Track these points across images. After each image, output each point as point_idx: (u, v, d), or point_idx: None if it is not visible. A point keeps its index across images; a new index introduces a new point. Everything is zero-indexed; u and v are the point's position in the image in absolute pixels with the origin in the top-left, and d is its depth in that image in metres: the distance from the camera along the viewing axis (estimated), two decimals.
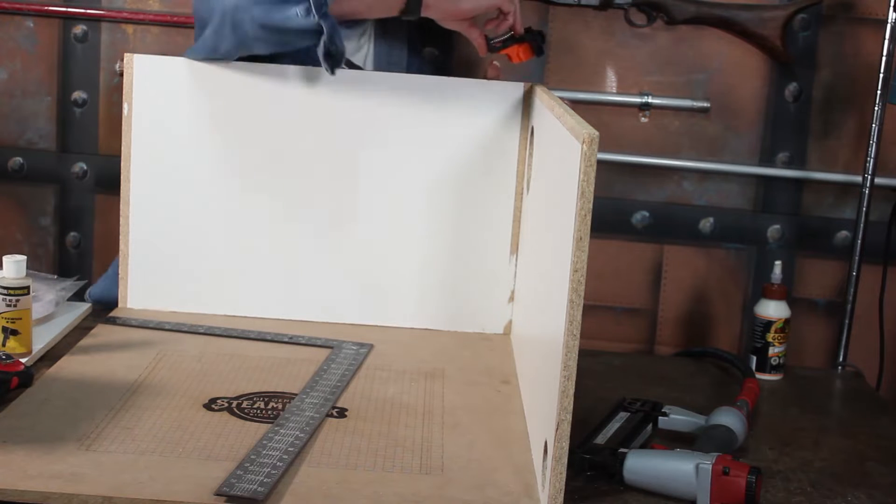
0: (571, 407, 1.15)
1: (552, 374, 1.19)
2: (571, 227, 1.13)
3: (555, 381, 1.17)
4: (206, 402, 1.44)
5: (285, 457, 1.26)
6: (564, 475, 1.16)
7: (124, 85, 1.76)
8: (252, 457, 1.25)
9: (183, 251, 1.80)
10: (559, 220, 1.25)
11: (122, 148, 1.77)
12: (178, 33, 2.41)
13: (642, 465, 1.32)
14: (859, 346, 2.21)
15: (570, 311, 1.13)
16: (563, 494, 1.16)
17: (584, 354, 1.18)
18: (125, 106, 1.77)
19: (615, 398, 1.55)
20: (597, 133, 1.12)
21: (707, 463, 1.28)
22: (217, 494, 1.16)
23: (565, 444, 1.15)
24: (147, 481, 1.19)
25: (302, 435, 1.33)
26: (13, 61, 2.45)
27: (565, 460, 1.16)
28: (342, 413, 1.43)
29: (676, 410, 1.52)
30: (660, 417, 1.50)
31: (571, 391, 1.15)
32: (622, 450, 1.35)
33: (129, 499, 1.16)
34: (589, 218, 1.12)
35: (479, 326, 1.82)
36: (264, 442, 1.30)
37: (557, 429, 1.15)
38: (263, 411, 1.42)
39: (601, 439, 1.41)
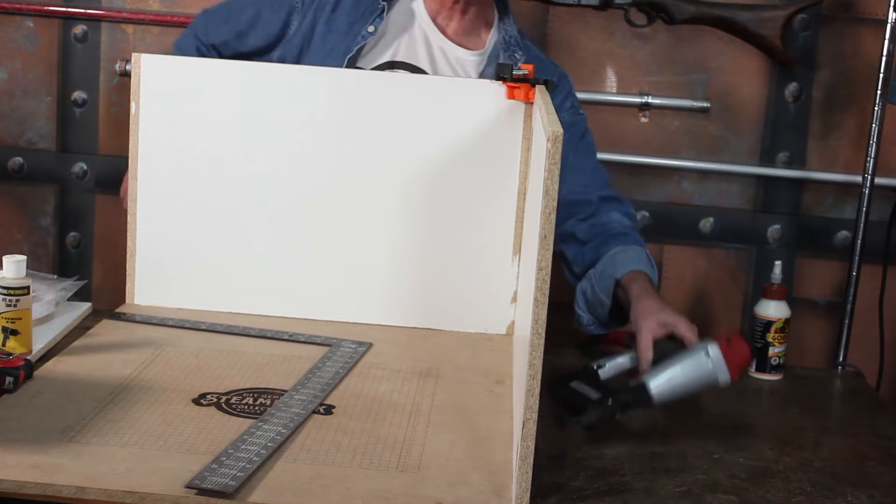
0: (537, 406, 1.14)
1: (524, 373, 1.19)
2: (537, 226, 1.12)
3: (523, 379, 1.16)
4: (196, 397, 1.43)
5: (263, 451, 1.25)
6: (531, 474, 1.15)
7: (132, 84, 1.77)
8: (230, 451, 1.25)
9: (188, 248, 1.80)
10: (531, 218, 1.24)
11: (130, 146, 1.78)
12: (178, 33, 2.41)
13: (663, 379, 1.46)
14: (859, 346, 2.21)
15: (535, 310, 1.12)
16: (528, 494, 1.15)
17: None
18: (132, 105, 1.77)
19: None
20: (561, 130, 1.11)
21: (713, 344, 1.46)
22: (188, 487, 1.16)
23: (531, 444, 1.14)
24: (123, 473, 1.19)
25: (284, 431, 1.32)
26: (13, 61, 2.45)
27: (531, 459, 1.15)
28: (329, 410, 1.42)
29: (607, 359, 1.60)
30: (599, 371, 1.58)
31: (537, 390, 1.13)
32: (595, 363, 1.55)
33: (102, 489, 1.15)
34: (553, 216, 1.11)
35: (481, 327, 1.81)
36: (245, 437, 1.29)
37: (523, 427, 1.14)
38: (251, 407, 1.41)
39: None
